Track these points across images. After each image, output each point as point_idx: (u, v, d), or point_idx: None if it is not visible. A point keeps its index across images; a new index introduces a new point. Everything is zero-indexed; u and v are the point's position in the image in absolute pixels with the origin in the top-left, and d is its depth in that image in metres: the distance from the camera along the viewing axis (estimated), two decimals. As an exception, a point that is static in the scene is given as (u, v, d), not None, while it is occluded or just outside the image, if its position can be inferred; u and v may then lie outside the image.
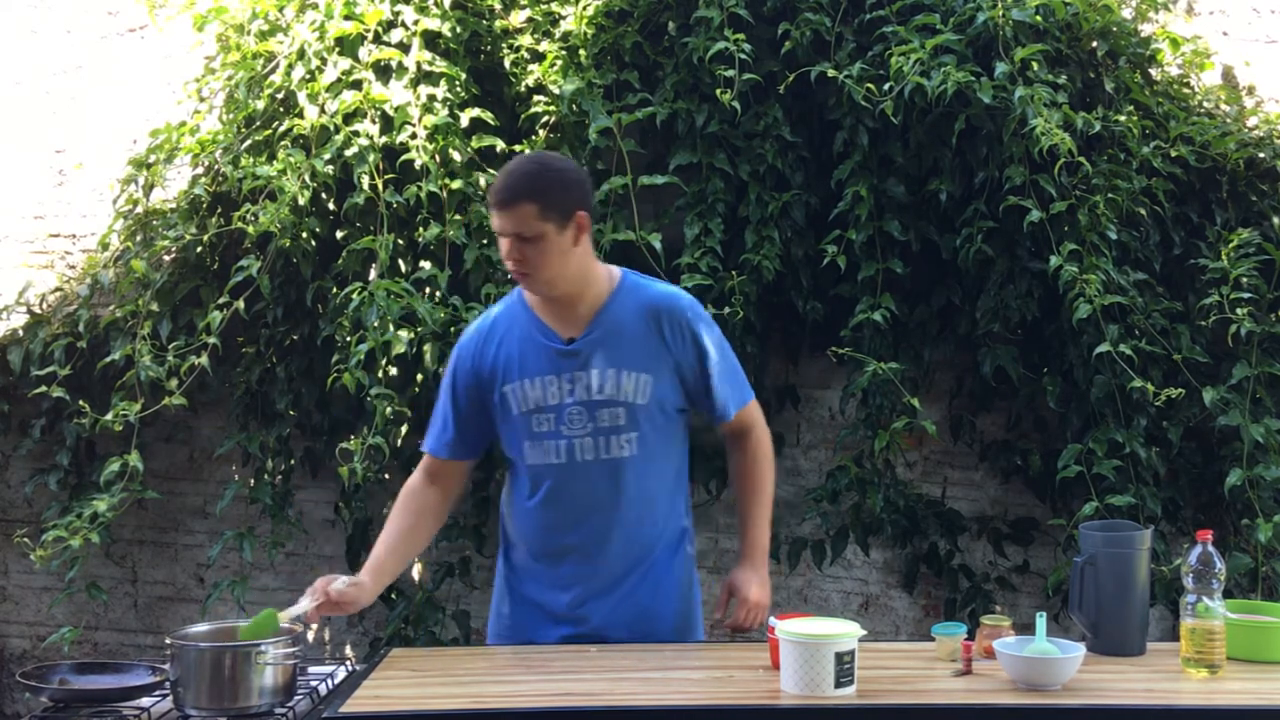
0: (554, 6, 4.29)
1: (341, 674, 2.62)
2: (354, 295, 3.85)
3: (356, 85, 4.10)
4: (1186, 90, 4.35)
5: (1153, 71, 4.32)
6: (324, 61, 4.13)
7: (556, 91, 4.11)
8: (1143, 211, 3.99)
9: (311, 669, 2.64)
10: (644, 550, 2.76)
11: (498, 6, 4.31)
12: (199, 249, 4.22)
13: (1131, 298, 3.87)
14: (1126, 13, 4.30)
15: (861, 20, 4.14)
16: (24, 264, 4.75)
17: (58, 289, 4.55)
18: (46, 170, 4.84)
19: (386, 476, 4.15)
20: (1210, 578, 2.47)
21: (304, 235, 4.09)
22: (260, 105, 4.19)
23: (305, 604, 2.55)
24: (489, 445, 2.92)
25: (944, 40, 3.95)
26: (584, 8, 4.19)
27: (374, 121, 4.05)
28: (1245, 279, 3.81)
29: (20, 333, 4.42)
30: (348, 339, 3.89)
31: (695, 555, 2.92)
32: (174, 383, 4.05)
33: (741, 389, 2.84)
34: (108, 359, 4.15)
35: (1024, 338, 4.15)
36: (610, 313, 2.73)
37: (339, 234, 4.15)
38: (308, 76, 4.13)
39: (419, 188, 3.99)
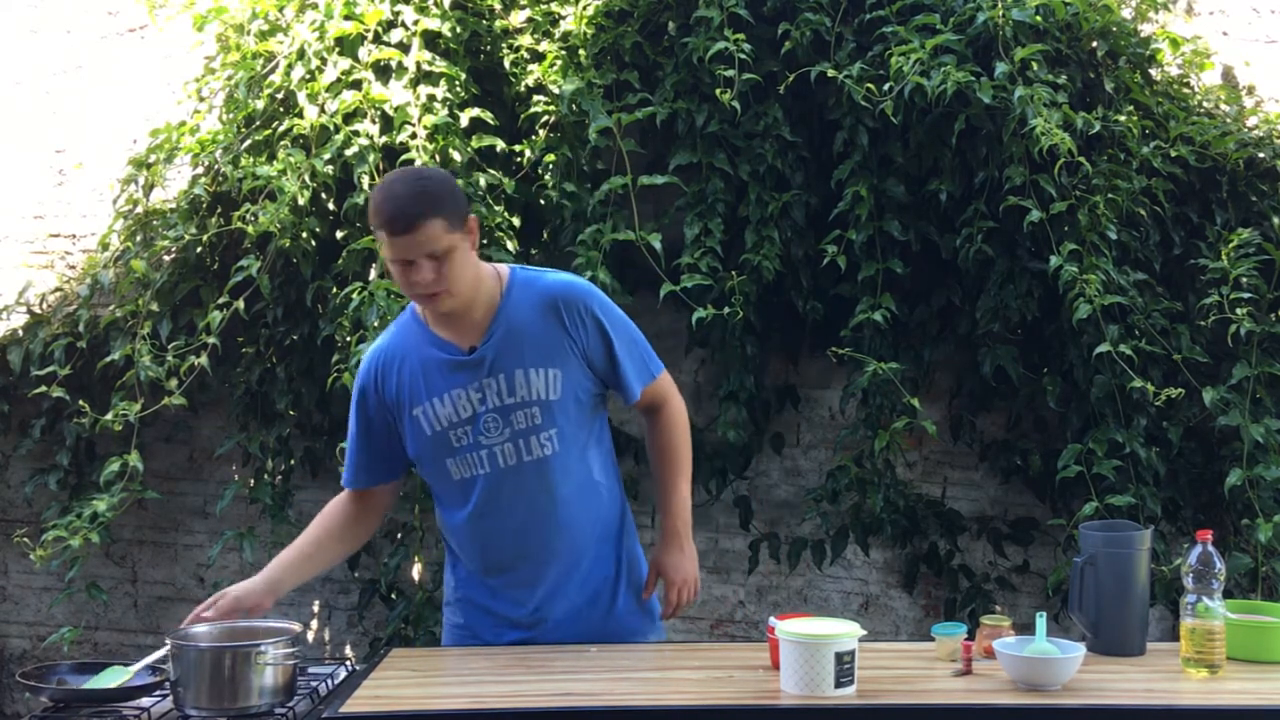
0: (554, 6, 4.28)
1: (341, 674, 2.62)
2: (354, 295, 3.85)
3: (356, 85, 4.09)
4: (1186, 90, 4.35)
5: (1153, 71, 4.31)
6: (324, 61, 4.13)
7: (556, 91, 4.11)
8: (1143, 211, 3.99)
9: (311, 669, 2.63)
10: (586, 542, 2.74)
11: (498, 6, 4.31)
12: (199, 249, 4.22)
13: (1131, 298, 3.87)
14: (1126, 13, 4.30)
15: (861, 20, 4.13)
16: (24, 264, 4.75)
17: (58, 289, 4.55)
18: (46, 170, 4.85)
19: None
20: (1210, 578, 2.47)
21: (304, 235, 4.09)
22: (260, 105, 4.19)
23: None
24: (410, 464, 2.87)
25: (944, 40, 3.94)
26: (584, 8, 4.19)
27: (374, 121, 4.05)
28: (1245, 279, 3.81)
29: (20, 333, 4.42)
30: (348, 339, 3.89)
31: (635, 527, 2.89)
32: (174, 383, 4.06)
33: (648, 365, 2.80)
34: (108, 359, 4.15)
35: (1024, 338, 4.15)
36: (507, 313, 2.67)
37: (339, 234, 4.15)
38: (308, 76, 4.13)
39: (419, 188, 3.99)
